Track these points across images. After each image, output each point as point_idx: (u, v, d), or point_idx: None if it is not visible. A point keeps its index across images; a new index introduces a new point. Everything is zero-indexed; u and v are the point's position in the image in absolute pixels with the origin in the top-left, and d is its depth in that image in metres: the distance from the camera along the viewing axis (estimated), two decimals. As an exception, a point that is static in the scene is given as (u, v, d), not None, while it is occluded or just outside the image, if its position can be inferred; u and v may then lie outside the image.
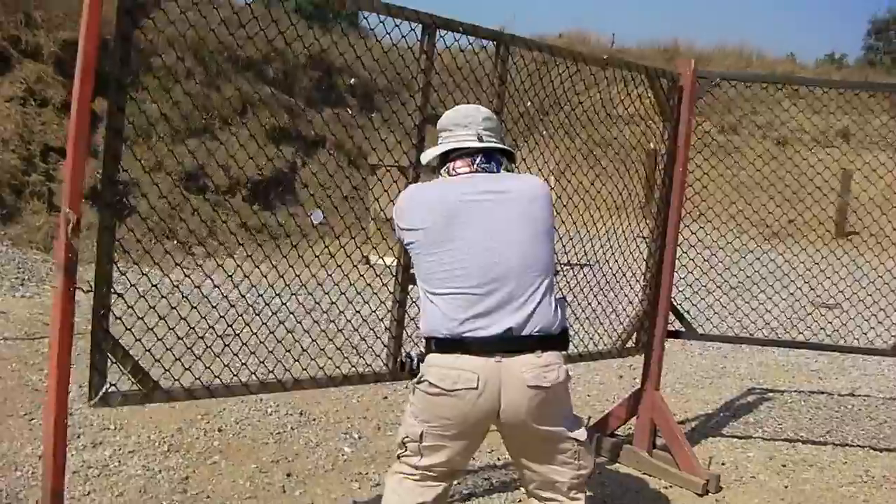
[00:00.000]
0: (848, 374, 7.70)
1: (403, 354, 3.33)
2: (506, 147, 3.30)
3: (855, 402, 6.81)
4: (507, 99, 4.16)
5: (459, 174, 3.18)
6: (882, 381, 7.53)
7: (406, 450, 3.12)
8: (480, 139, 3.19)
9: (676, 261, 5.09)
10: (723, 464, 5.20)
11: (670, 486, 4.79)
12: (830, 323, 6.48)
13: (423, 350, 3.15)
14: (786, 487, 4.92)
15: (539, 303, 3.03)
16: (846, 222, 17.74)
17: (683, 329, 5.32)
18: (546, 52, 4.34)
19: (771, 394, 6.86)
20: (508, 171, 3.32)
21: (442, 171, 3.24)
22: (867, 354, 6.49)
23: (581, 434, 3.12)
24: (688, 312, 5.46)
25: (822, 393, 7.02)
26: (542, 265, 3.09)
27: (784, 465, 5.26)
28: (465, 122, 3.23)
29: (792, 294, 6.27)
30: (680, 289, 5.53)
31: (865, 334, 6.14)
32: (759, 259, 6.40)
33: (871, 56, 44.03)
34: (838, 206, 17.66)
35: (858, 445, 5.74)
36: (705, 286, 6.60)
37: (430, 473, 3.13)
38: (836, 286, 6.35)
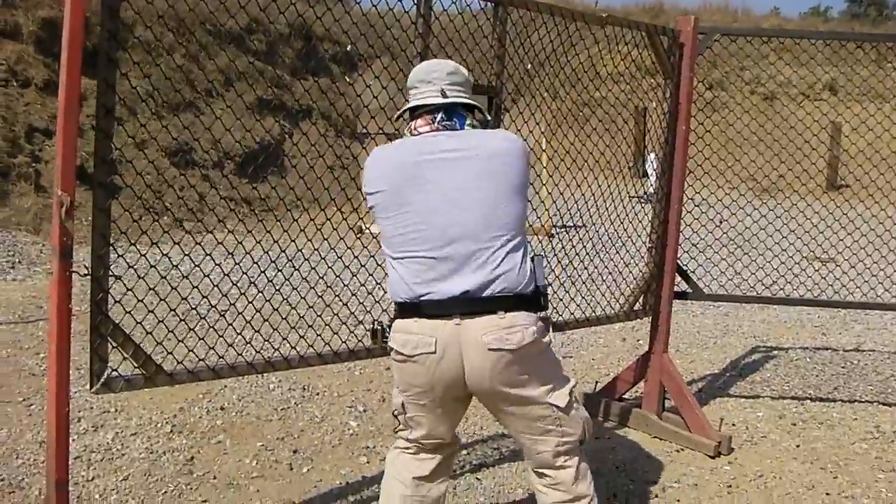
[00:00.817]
0: (851, 328, 7.67)
1: (375, 322, 3.19)
2: (471, 101, 3.12)
3: (860, 358, 6.77)
4: (506, 61, 4.05)
5: (421, 133, 3.03)
6: (886, 335, 7.50)
7: (398, 423, 3.09)
8: (444, 94, 3.04)
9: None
10: (733, 424, 5.14)
11: (682, 449, 4.74)
12: (825, 278, 6.47)
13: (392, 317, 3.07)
14: (797, 447, 4.87)
15: (501, 261, 2.87)
16: (837, 175, 17.73)
17: (690, 290, 5.25)
18: (546, 11, 4.22)
19: (776, 351, 6.82)
20: (477, 126, 3.11)
21: (405, 130, 3.12)
22: (875, 309, 6.44)
23: (560, 398, 2.96)
24: (693, 272, 5.39)
25: (828, 349, 6.98)
26: (505, 223, 2.91)
27: (794, 424, 5.21)
28: (428, 78, 3.09)
29: (785, 250, 6.20)
30: (685, 249, 5.46)
31: (862, 288, 6.10)
32: (750, 215, 6.34)
33: (854, 8, 43.97)
34: (829, 159, 17.62)
35: (867, 401, 5.70)
36: (708, 244, 6.52)
37: (422, 445, 3.09)
38: (829, 241, 6.30)
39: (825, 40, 5.81)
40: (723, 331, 7.37)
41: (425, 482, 3.11)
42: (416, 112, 3.08)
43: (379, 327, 3.14)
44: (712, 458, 4.64)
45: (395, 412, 3.07)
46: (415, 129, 3.05)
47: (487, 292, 2.85)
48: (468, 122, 3.08)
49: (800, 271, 6.18)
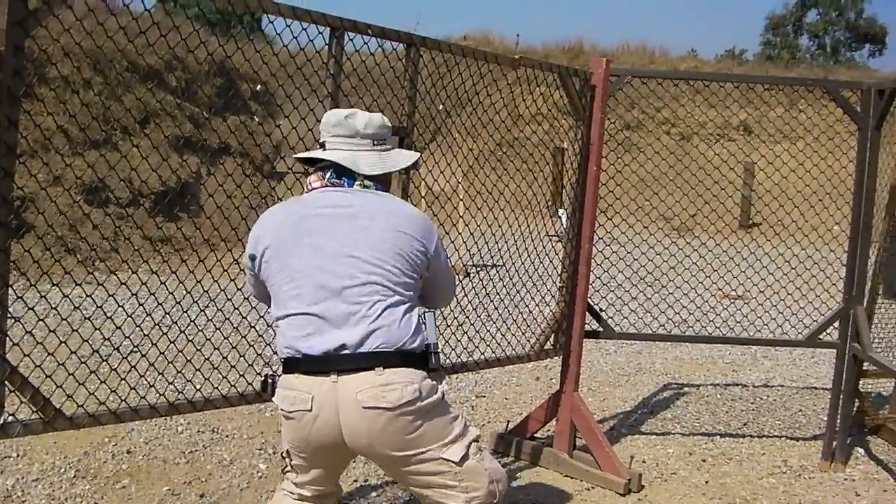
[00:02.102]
0: (761, 364, 7.83)
1: (266, 375, 3.19)
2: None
3: (769, 393, 6.91)
4: (418, 102, 4.08)
5: (314, 188, 3.00)
6: (794, 370, 7.67)
7: (286, 464, 3.03)
8: (324, 147, 3.03)
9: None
10: (643, 461, 5.19)
11: (592, 487, 4.76)
12: (734, 316, 6.61)
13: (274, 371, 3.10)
14: (706, 482, 4.94)
15: (378, 316, 2.78)
16: (749, 214, 18.19)
17: (601, 329, 5.31)
18: (458, 53, 4.26)
19: (687, 388, 6.92)
20: (370, 186, 3.00)
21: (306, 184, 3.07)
22: (784, 346, 6.59)
23: (454, 453, 2.84)
24: (604, 311, 5.46)
25: (738, 385, 7.11)
26: (388, 279, 2.83)
27: (704, 460, 5.29)
28: (323, 128, 3.06)
29: (694, 289, 6.33)
30: (596, 288, 5.52)
31: (770, 326, 6.25)
32: (660, 255, 6.46)
33: (768, 51, 45.39)
34: (741, 198, 18.08)
35: (775, 436, 5.82)
36: (620, 283, 6.61)
37: (304, 492, 3.04)
38: (739, 279, 6.46)
39: (736, 83, 5.98)
40: (635, 368, 7.46)
41: None
42: (314, 163, 3.07)
43: (270, 380, 3.12)
44: (622, 495, 4.67)
45: (283, 454, 3.02)
46: (309, 185, 3.02)
47: (364, 348, 2.76)
48: (357, 182, 2.99)
49: (709, 309, 6.31)
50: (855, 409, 5.80)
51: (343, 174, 2.98)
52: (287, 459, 2.99)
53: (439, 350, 2.96)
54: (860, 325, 5.02)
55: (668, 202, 7.06)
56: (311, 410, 2.77)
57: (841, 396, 5.21)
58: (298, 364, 2.83)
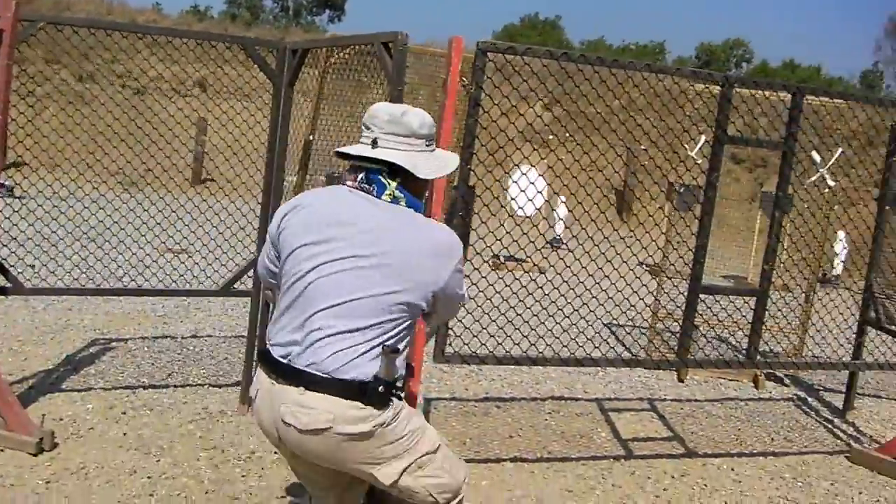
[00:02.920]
0: (193, 316, 7.97)
1: None
2: (394, 162, 2.77)
3: (197, 343, 7.08)
4: None
5: (347, 185, 2.83)
6: (225, 320, 7.93)
7: None
8: (375, 144, 2.79)
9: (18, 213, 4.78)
10: (60, 419, 5.04)
11: (2, 450, 4.52)
12: (177, 269, 6.67)
13: None
14: (124, 435, 4.94)
15: (328, 339, 2.67)
16: (203, 169, 18.42)
17: (10, 285, 5.02)
18: None
19: (115, 343, 6.82)
20: (401, 198, 2.79)
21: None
22: (197, 296, 6.74)
23: (385, 476, 2.81)
24: (35, 267, 5.17)
25: (167, 337, 7.17)
26: (359, 308, 2.68)
27: (124, 413, 5.27)
28: (369, 122, 2.82)
29: (136, 241, 6.27)
30: (4, 242, 5.21)
31: (213, 278, 6.41)
32: (103, 209, 6.30)
33: (233, 9, 46.11)
34: (194, 153, 18.24)
35: (199, 384, 5.97)
36: (61, 238, 6.31)
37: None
38: (181, 232, 6.50)
39: (197, 40, 5.91)
40: (63, 325, 7.17)
41: None
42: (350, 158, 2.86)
43: None
44: (35, 455, 4.50)
45: None
46: (345, 179, 2.86)
47: (301, 363, 2.69)
48: (387, 191, 2.78)
49: (151, 262, 6.26)
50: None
51: (373, 179, 2.78)
52: None
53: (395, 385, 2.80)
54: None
55: (121, 158, 6.85)
56: (257, 403, 2.83)
57: (256, 342, 5.48)
58: (262, 358, 2.83)
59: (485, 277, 4.68)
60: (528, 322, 4.94)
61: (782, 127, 4.76)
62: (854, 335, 6.19)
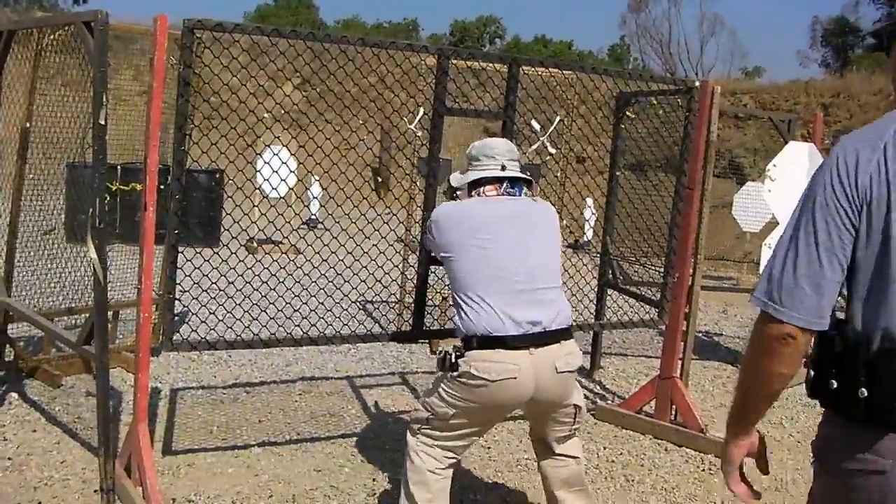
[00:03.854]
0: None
1: (442, 351, 3.67)
2: (526, 176, 3.97)
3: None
4: None
5: (489, 196, 3.84)
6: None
7: (427, 425, 3.76)
8: (503, 168, 3.85)
9: None
10: None
11: None
12: None
13: (456, 347, 3.64)
14: None
15: (555, 301, 3.69)
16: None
17: None
18: None
19: None
20: (529, 195, 3.99)
21: (473, 193, 3.86)
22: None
23: (579, 399, 3.88)
24: None
25: None
26: (556, 271, 3.82)
27: None
28: (491, 153, 3.88)
29: None
30: None
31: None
32: None
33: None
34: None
35: None
36: None
37: (454, 442, 3.78)
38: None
39: None
40: None
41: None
42: (480, 181, 3.86)
43: (448, 355, 3.63)
44: None
45: (431, 417, 3.73)
46: (483, 192, 3.86)
47: (554, 326, 3.63)
48: (525, 191, 3.94)
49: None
50: (12, 355, 5.87)
51: (515, 186, 3.90)
52: (441, 421, 3.71)
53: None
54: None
55: None
56: (515, 378, 3.53)
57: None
58: (502, 340, 3.54)
59: (242, 261, 4.63)
60: (290, 304, 4.86)
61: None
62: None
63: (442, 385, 3.72)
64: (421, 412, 3.84)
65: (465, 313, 3.64)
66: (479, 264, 3.65)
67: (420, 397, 4.42)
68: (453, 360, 3.63)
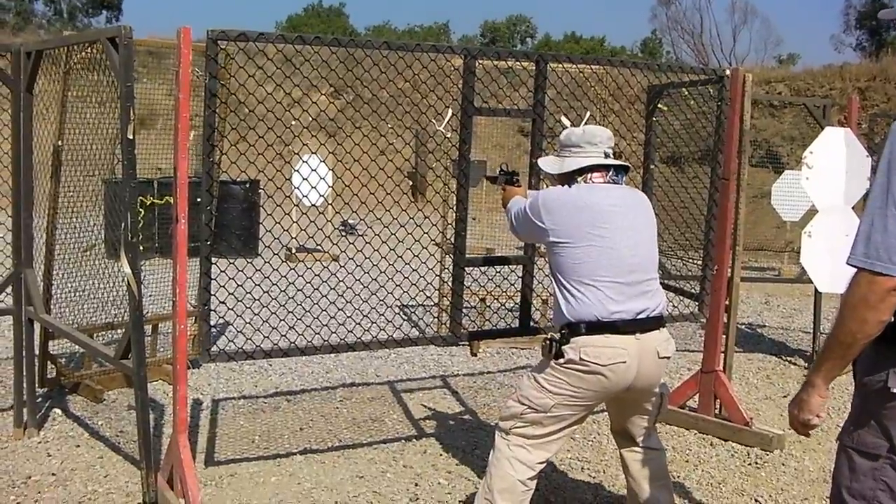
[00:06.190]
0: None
1: (547, 339, 3.65)
2: (626, 164, 3.91)
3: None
4: None
5: (596, 182, 3.77)
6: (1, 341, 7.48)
7: (522, 421, 3.70)
8: (607, 156, 3.80)
9: None
10: None
11: None
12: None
13: (561, 334, 3.61)
14: None
15: (657, 289, 3.73)
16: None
17: None
18: None
19: None
20: (626, 183, 3.95)
21: (579, 178, 3.78)
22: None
23: (665, 387, 3.90)
24: None
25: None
26: (657, 259, 3.86)
27: None
28: (594, 141, 3.79)
29: None
30: None
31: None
32: None
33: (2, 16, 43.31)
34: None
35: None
36: None
37: (547, 439, 3.72)
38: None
39: None
40: None
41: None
42: (586, 168, 3.77)
43: (554, 343, 3.61)
44: None
45: (527, 411, 3.68)
46: (590, 179, 3.78)
47: (655, 312, 3.67)
48: (625, 179, 3.90)
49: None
50: (54, 372, 5.90)
51: (619, 174, 3.84)
52: (539, 414, 3.66)
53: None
54: (31, 288, 5.05)
55: None
56: (625, 362, 3.54)
57: (24, 362, 5.20)
58: (613, 326, 3.55)
59: (276, 270, 4.63)
60: (326, 311, 4.83)
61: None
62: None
63: (543, 374, 3.67)
64: (514, 407, 3.76)
65: (576, 299, 3.61)
66: (599, 252, 3.61)
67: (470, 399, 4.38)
68: (560, 348, 3.60)
